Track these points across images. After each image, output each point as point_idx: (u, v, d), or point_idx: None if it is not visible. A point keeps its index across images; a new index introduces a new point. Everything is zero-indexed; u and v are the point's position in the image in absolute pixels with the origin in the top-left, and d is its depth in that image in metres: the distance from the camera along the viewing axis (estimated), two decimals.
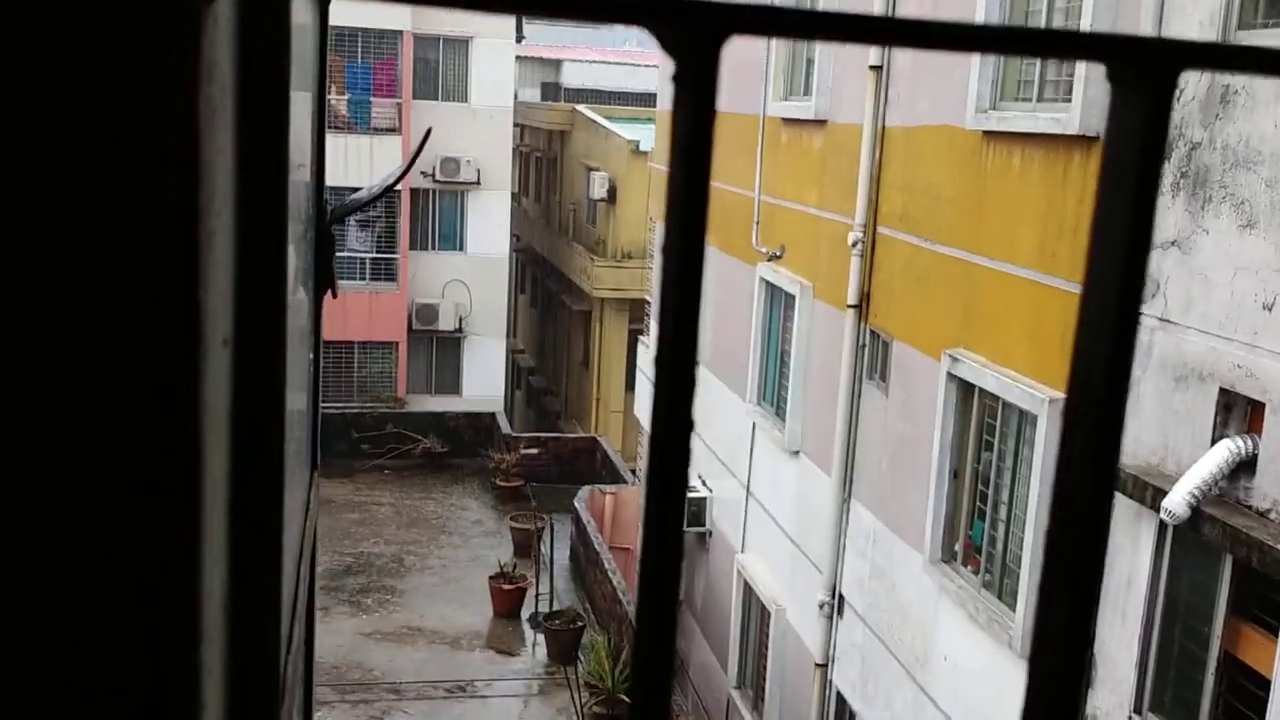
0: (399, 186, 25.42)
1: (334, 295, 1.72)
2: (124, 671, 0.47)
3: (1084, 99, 7.35)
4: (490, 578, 18.14)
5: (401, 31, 25.52)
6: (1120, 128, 0.55)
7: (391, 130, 25.58)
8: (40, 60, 0.44)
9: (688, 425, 0.54)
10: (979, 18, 8.58)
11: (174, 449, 0.48)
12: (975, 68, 8.62)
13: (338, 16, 26.63)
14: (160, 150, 0.44)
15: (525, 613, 17.97)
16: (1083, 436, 0.59)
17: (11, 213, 0.46)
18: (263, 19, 0.63)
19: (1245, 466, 6.10)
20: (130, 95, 0.44)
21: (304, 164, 1.46)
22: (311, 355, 1.64)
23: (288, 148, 0.72)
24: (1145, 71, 0.54)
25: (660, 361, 0.53)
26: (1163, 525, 6.56)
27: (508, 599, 17.90)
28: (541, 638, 17.13)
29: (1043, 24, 8.14)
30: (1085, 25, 7.39)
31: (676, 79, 0.53)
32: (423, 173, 26.13)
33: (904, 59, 10.01)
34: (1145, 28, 6.80)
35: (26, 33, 0.44)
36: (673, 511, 0.53)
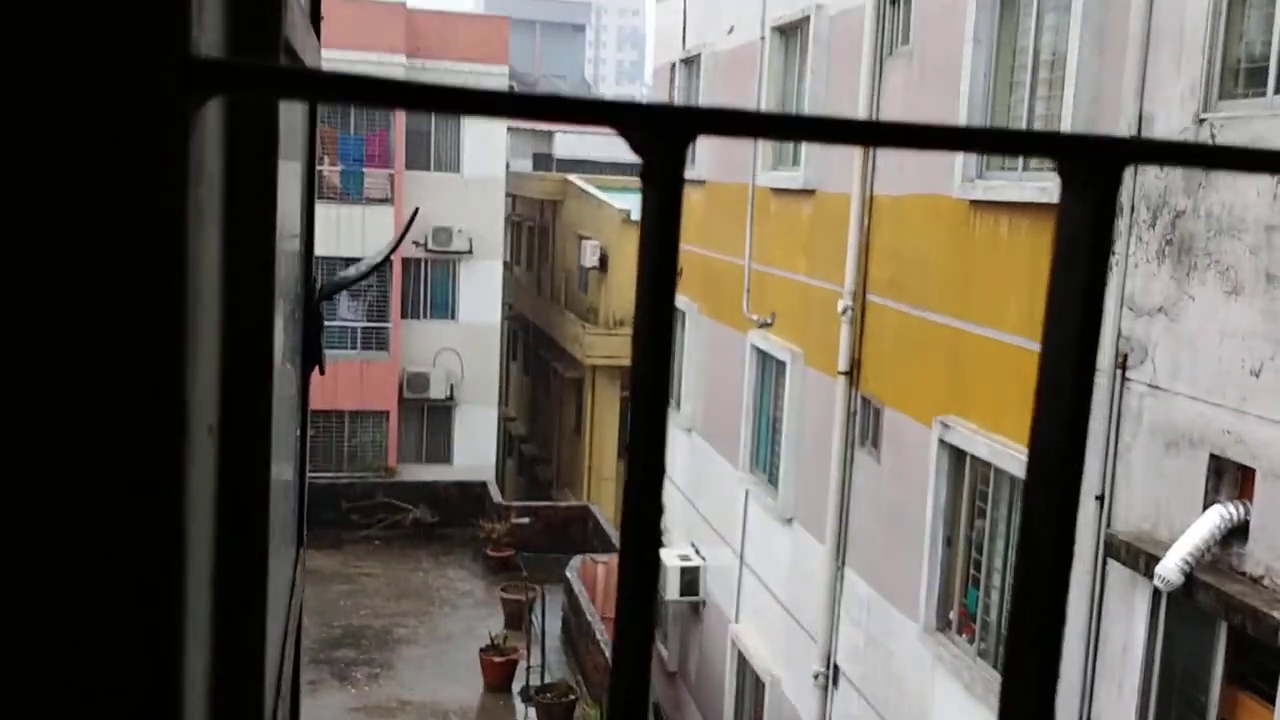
0: (390, 256, 25.54)
1: (321, 372, 1.74)
2: None
3: None
4: (481, 650, 17.93)
5: None
6: (1070, 221, 0.58)
7: (384, 201, 25.77)
8: (30, 157, 0.46)
9: (656, 536, 0.56)
10: (963, 98, 8.73)
11: (156, 540, 0.49)
12: None
13: None
14: (146, 249, 0.46)
15: (516, 685, 17.73)
16: (1042, 521, 0.61)
17: None
18: (251, 122, 0.65)
19: (1237, 532, 6.10)
20: (118, 196, 0.46)
21: (293, 243, 1.48)
22: (299, 431, 1.65)
23: (275, 241, 0.74)
24: (1092, 168, 0.57)
25: (631, 467, 0.54)
26: (1156, 592, 6.54)
27: (499, 671, 17.68)
28: (533, 711, 16.88)
29: (1026, 97, 8.28)
30: (1068, 96, 7.52)
31: (643, 176, 0.55)
32: (415, 242, 26.27)
33: None
34: (1128, 99, 6.92)
35: (16, 130, 0.46)
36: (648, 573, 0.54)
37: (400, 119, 26.04)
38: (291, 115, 1.46)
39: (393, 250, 2.77)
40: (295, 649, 1.59)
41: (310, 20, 1.58)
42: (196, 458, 0.55)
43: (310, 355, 1.60)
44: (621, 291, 25.56)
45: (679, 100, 15.93)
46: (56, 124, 0.46)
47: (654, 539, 0.56)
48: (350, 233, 24.96)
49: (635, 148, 0.54)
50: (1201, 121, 6.39)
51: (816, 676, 11.07)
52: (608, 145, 34.61)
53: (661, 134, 0.53)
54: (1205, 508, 6.23)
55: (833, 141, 0.55)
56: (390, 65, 25.64)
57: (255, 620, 0.74)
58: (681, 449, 15.78)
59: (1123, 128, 6.99)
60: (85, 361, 0.46)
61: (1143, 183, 6.85)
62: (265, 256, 0.71)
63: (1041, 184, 7.87)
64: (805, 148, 11.80)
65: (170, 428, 0.48)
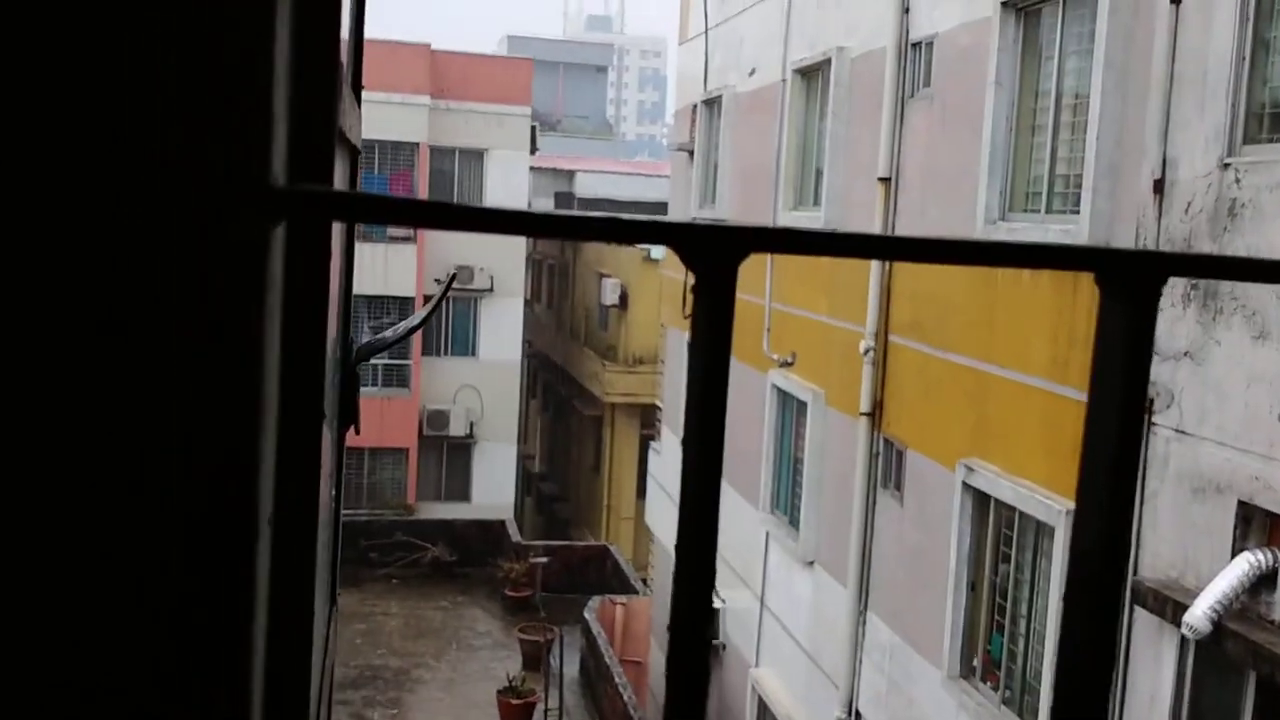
0: (414, 294, 25.70)
1: (357, 432, 1.76)
2: None
3: (1092, 210, 7.46)
4: (498, 692, 17.83)
5: (418, 144, 26.07)
6: (1108, 330, 0.59)
7: (407, 240, 25.96)
8: (128, 287, 0.49)
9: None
10: (984, 141, 8.75)
11: (228, 632, 0.51)
12: (984, 177, 8.76)
13: None
14: (227, 364, 0.48)
15: None
16: (1082, 636, 0.61)
17: (79, 409, 0.50)
18: (311, 235, 0.68)
19: (1266, 580, 6.03)
20: (202, 318, 0.48)
21: (334, 308, 1.51)
22: (334, 491, 1.68)
23: (325, 348, 0.76)
24: (1130, 280, 0.58)
25: (680, 557, 0.56)
26: (1184, 640, 6.47)
27: (516, 714, 17.56)
28: None
29: (1048, 140, 8.30)
30: (1091, 139, 7.53)
31: (696, 290, 0.58)
32: (436, 280, 26.41)
33: (913, 170, 10.18)
34: (1151, 144, 6.93)
35: (114, 235, 0.48)
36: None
37: (425, 158, 26.27)
38: (342, 169, 1.49)
39: (430, 315, 2.81)
40: (328, 709, 1.60)
41: (354, 88, 1.62)
42: (260, 551, 0.57)
43: (346, 416, 1.62)
44: (641, 329, 25.60)
45: (701, 140, 16.03)
46: (152, 255, 0.48)
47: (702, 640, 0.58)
48: (373, 271, 25.13)
49: (689, 265, 0.56)
50: (1226, 166, 6.39)
51: None
52: (629, 184, 34.81)
53: (717, 253, 0.55)
54: (1233, 555, 6.17)
55: (883, 258, 0.57)
56: (415, 105, 25.91)
57: (299, 700, 0.76)
58: None
59: (1145, 172, 6.99)
60: (173, 467, 0.48)
61: (1167, 225, 6.84)
62: (317, 355, 0.73)
63: (1065, 226, 7.87)
64: (826, 189, 11.84)
65: (245, 526, 0.50)
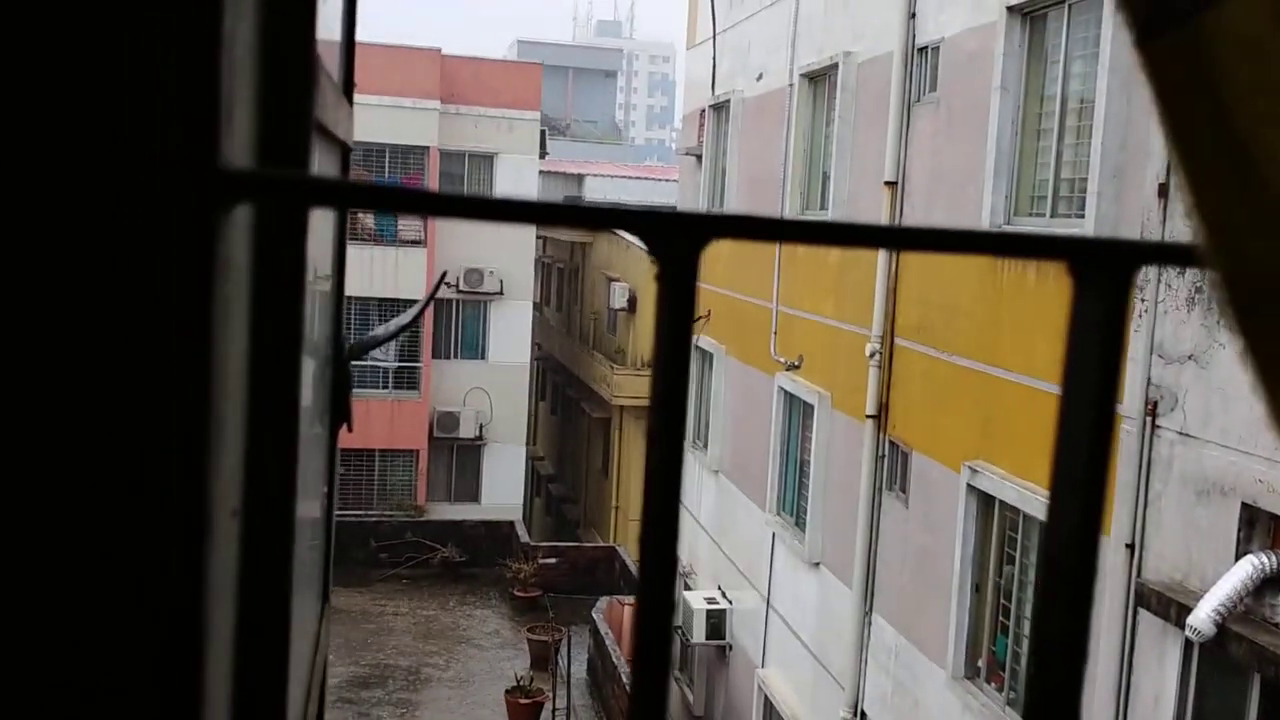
0: (419, 317, 25.70)
1: (350, 429, 1.76)
2: None
3: (1097, 214, 7.44)
4: (506, 691, 17.84)
5: (428, 147, 26.11)
6: (1080, 322, 0.58)
7: (417, 243, 26.00)
8: (67, 263, 0.48)
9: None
10: (990, 145, 8.73)
11: (177, 623, 0.50)
12: (989, 181, 8.75)
13: (365, 132, 27.10)
14: (171, 350, 0.48)
15: None
16: (1056, 638, 0.61)
17: (23, 396, 0.49)
18: (282, 223, 0.67)
19: (1270, 583, 6.01)
20: (146, 300, 0.47)
21: (324, 302, 1.51)
22: (326, 489, 1.67)
23: (299, 339, 0.76)
24: (1103, 270, 0.57)
25: (643, 547, 0.55)
26: (1188, 643, 6.44)
27: (524, 713, 17.58)
28: None
29: (1054, 144, 8.28)
30: (1096, 143, 7.51)
31: (659, 279, 0.57)
32: (447, 283, 26.46)
33: (919, 174, 10.17)
34: (1156, 146, 6.90)
35: (48, 224, 0.48)
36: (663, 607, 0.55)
37: (435, 162, 26.32)
38: (330, 165, 1.49)
39: (420, 312, 2.82)
40: (319, 706, 1.60)
41: (344, 85, 1.61)
42: (219, 545, 0.57)
43: (339, 413, 1.62)
44: (649, 333, 25.55)
45: (709, 144, 16.03)
46: (90, 232, 0.48)
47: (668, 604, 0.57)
48: (384, 274, 25.19)
49: (652, 252, 0.56)
50: None
51: None
52: (638, 189, 34.83)
53: (677, 240, 0.55)
54: (1237, 557, 6.15)
55: (846, 245, 0.56)
56: (425, 110, 25.96)
57: (276, 695, 0.75)
58: (708, 491, 15.73)
59: (1150, 176, 6.98)
60: (114, 456, 0.48)
61: (1172, 229, 6.82)
62: (292, 346, 0.73)
63: (1070, 229, 7.85)
64: (833, 193, 11.83)
65: (193, 517, 0.49)
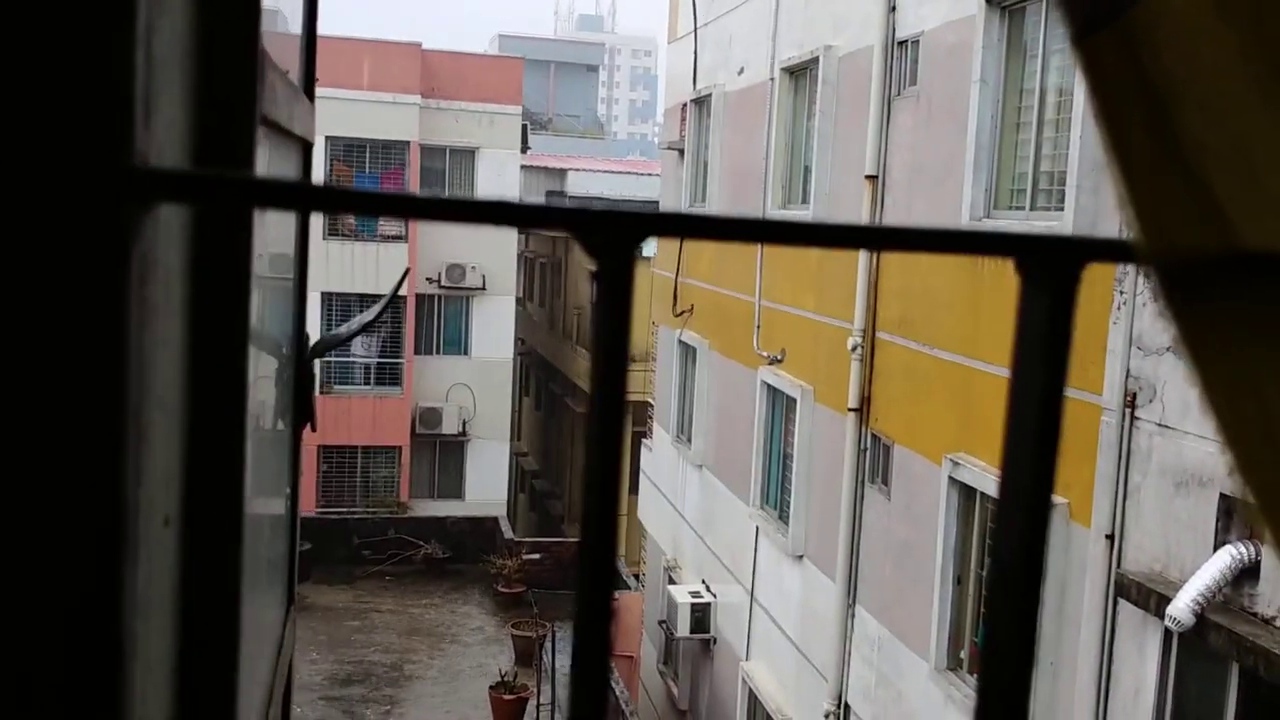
0: (405, 293, 25.65)
1: (313, 429, 1.74)
2: None
3: (1076, 206, 7.46)
4: (491, 687, 17.83)
5: (409, 142, 26.02)
6: (1028, 317, 0.57)
7: (398, 238, 25.91)
8: None
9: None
10: (969, 138, 8.75)
11: (97, 636, 0.49)
12: (969, 174, 8.77)
13: (346, 128, 26.92)
14: (81, 352, 0.46)
15: None
16: (1006, 638, 0.60)
17: None
18: (221, 219, 0.65)
19: (1249, 573, 6.04)
20: (57, 302, 0.46)
21: (284, 300, 1.49)
22: (290, 489, 1.66)
23: (244, 341, 0.74)
24: (1049, 266, 0.56)
25: (582, 550, 0.54)
26: (1168, 633, 6.47)
27: (509, 709, 17.57)
28: None
29: (1033, 137, 8.30)
30: (1075, 136, 7.52)
31: (595, 278, 0.56)
32: (428, 279, 26.40)
33: (899, 167, 10.18)
34: None
35: None
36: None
37: (415, 157, 26.23)
38: (285, 162, 1.47)
39: (383, 310, 2.79)
40: (285, 710, 1.58)
41: (304, 82, 1.59)
42: (147, 555, 0.55)
43: (301, 413, 1.60)
44: (633, 327, 25.58)
45: (691, 139, 16.02)
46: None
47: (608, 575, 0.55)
48: (365, 270, 25.10)
49: (588, 249, 0.54)
50: None
51: (827, 716, 10.97)
52: (620, 183, 34.79)
53: (612, 238, 0.53)
54: (1216, 548, 6.18)
55: (784, 243, 0.55)
56: (406, 105, 25.87)
57: (225, 705, 0.74)
58: (692, 485, 15.74)
59: None
60: (21, 463, 0.46)
61: None
62: (237, 348, 0.71)
63: (1049, 222, 7.87)
64: (814, 187, 11.83)
65: (110, 526, 0.48)
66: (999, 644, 0.59)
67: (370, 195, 0.48)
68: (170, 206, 0.60)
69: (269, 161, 1.09)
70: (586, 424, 0.57)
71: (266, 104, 0.88)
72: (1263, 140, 0.46)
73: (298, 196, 0.48)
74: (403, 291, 25.65)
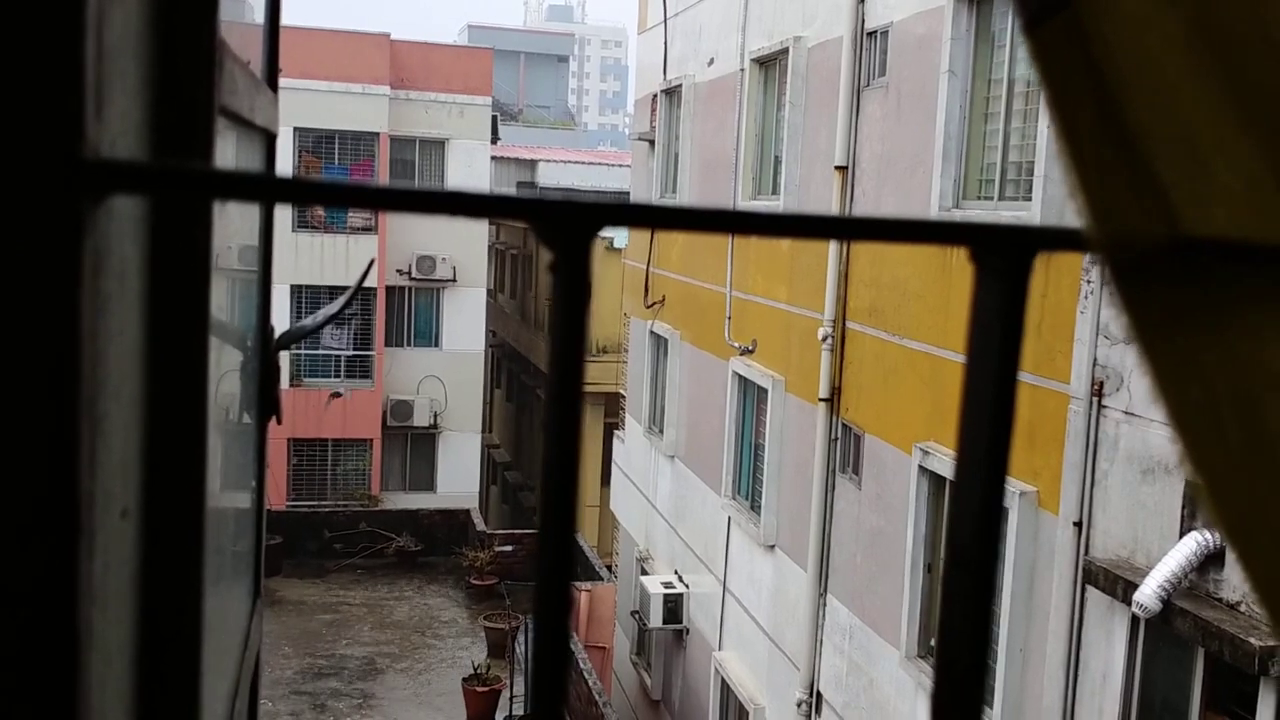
0: (375, 285, 25.54)
1: (279, 422, 1.73)
2: None
3: (1044, 197, 7.51)
4: (464, 680, 17.81)
5: (378, 133, 25.88)
6: (983, 305, 0.58)
7: (367, 230, 25.78)
8: None
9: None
10: (938, 128, 8.79)
11: (50, 631, 0.48)
12: (938, 164, 8.81)
13: (314, 119, 26.73)
14: (33, 348, 0.46)
15: (500, 715, 17.62)
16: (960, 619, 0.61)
17: None
18: (177, 210, 0.65)
19: (1215, 559, 6.12)
20: (3, 292, 0.45)
21: (248, 293, 1.48)
22: (255, 482, 1.65)
23: (206, 327, 0.73)
24: (1004, 254, 0.57)
25: (542, 549, 0.55)
26: (1135, 619, 6.55)
27: (481, 702, 17.56)
28: None
29: (1001, 127, 8.35)
30: (1043, 126, 7.58)
31: (552, 269, 0.56)
32: (399, 270, 26.29)
33: (869, 158, 10.22)
34: None
35: None
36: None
37: (385, 148, 26.09)
38: (248, 153, 1.46)
39: (348, 302, 2.78)
40: (252, 705, 1.57)
41: (266, 73, 1.58)
42: (104, 547, 0.55)
43: (266, 406, 1.60)
44: (604, 319, 25.59)
45: (661, 129, 16.01)
46: None
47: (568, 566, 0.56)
48: (334, 262, 24.95)
49: (544, 240, 0.55)
50: None
51: (799, 704, 11.03)
52: (591, 174, 34.73)
53: (569, 228, 0.54)
54: (1182, 534, 6.25)
55: (740, 232, 0.55)
56: (375, 96, 25.71)
57: (187, 696, 0.73)
58: (664, 476, 15.76)
59: None
60: None
61: None
62: (196, 343, 0.70)
63: (1017, 212, 7.92)
64: (785, 178, 11.86)
65: (63, 519, 0.47)
66: (954, 624, 0.60)
67: (328, 185, 0.48)
68: (126, 198, 0.60)
69: (231, 153, 1.08)
70: (544, 413, 0.57)
71: (226, 94, 0.87)
72: (1207, 128, 0.46)
73: (256, 187, 0.48)
74: (372, 284, 25.54)
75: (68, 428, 0.46)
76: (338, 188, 0.48)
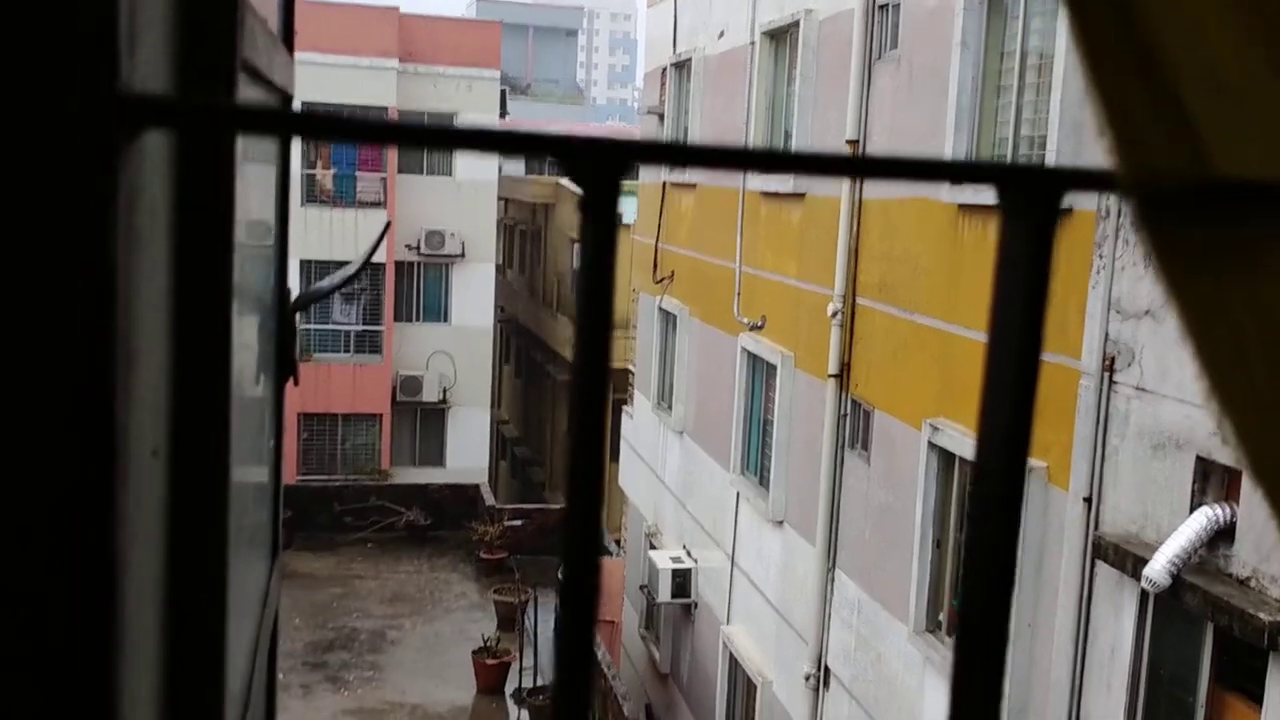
0: (384, 260, 25.54)
1: (295, 383, 1.74)
2: None
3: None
4: (474, 652, 17.92)
5: (387, 108, 25.82)
6: (1009, 248, 0.58)
7: (377, 204, 25.76)
8: None
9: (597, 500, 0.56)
10: (950, 101, 8.74)
11: (86, 563, 0.49)
12: (950, 137, 8.76)
13: (323, 93, 26.65)
14: (71, 278, 0.46)
15: (509, 688, 17.74)
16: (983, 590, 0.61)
17: None
18: (203, 150, 0.65)
19: (1224, 534, 6.12)
20: (39, 230, 0.46)
21: (265, 253, 1.49)
22: (273, 441, 1.66)
23: (231, 263, 0.74)
24: (1031, 196, 0.57)
25: (570, 476, 0.55)
26: (1144, 594, 6.55)
27: (491, 674, 17.68)
28: (526, 713, 16.88)
29: (1014, 100, 8.30)
30: (1055, 100, 7.53)
31: (582, 206, 0.56)
32: (407, 246, 26.28)
33: (880, 132, 10.17)
34: None
35: None
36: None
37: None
38: (262, 157, 1.46)
39: (364, 264, 2.79)
40: (270, 662, 1.59)
41: (283, 34, 1.58)
42: (136, 481, 0.55)
43: (284, 366, 1.60)
44: (614, 293, 25.55)
45: (671, 103, 15.95)
46: None
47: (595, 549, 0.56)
48: (343, 236, 24.95)
49: (575, 178, 0.55)
50: None
51: (807, 678, 11.08)
52: None
53: (599, 165, 0.54)
54: (1192, 510, 6.25)
55: (769, 170, 0.56)
56: (383, 69, 25.64)
57: (213, 639, 0.74)
58: (673, 451, 15.79)
59: None
60: (10, 396, 0.46)
61: None
62: (221, 280, 0.71)
63: None
64: (795, 148, 11.75)
65: (100, 452, 0.48)
66: (981, 567, 0.60)
67: (351, 122, 0.48)
68: (153, 140, 0.60)
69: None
70: (573, 358, 0.57)
71: (246, 48, 0.87)
72: (1236, 65, 0.46)
73: (279, 122, 0.48)
74: (381, 259, 25.54)
75: (104, 358, 0.46)
76: (366, 125, 0.48)
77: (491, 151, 0.53)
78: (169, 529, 0.66)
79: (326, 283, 2.84)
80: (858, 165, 0.57)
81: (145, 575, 0.61)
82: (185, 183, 0.64)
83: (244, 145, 0.98)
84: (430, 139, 0.53)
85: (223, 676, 0.77)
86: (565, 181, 31.51)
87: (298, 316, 1.77)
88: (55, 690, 0.49)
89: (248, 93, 0.96)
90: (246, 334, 1.24)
